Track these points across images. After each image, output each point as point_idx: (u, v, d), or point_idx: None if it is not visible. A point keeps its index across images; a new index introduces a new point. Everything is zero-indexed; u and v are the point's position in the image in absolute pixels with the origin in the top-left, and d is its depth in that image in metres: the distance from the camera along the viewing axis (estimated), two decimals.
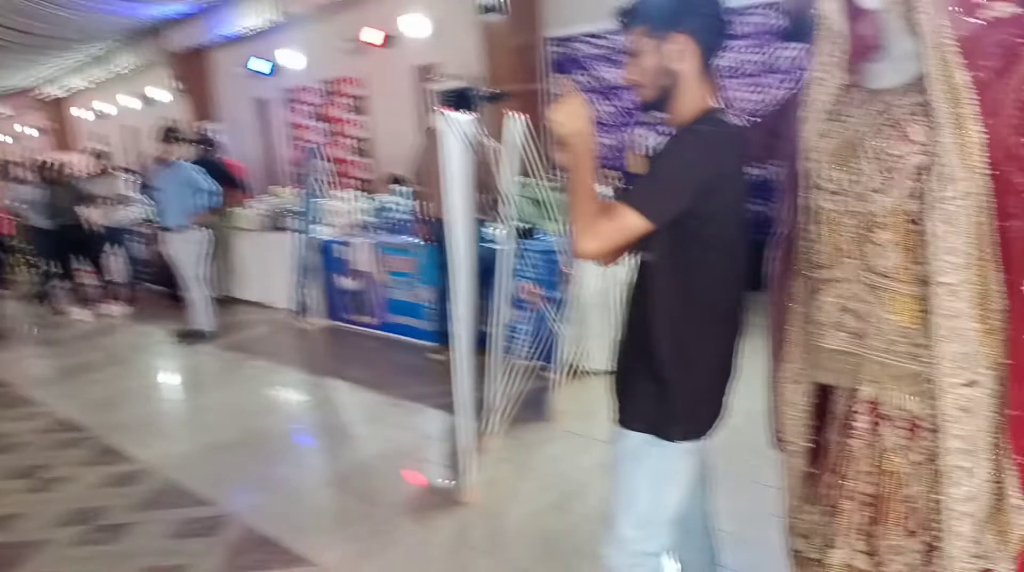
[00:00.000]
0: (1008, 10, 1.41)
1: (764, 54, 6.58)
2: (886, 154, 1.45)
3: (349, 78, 10.59)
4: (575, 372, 4.72)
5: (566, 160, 1.80)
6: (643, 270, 1.88)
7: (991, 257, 1.40)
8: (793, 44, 6.31)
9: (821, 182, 1.59)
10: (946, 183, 1.38)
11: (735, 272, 1.86)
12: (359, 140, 10.75)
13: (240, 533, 3.27)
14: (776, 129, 2.35)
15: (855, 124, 1.53)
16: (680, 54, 1.77)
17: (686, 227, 1.73)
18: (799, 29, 2.21)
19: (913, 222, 1.45)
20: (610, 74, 7.59)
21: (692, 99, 1.82)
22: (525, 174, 4.22)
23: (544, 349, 4.63)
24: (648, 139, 7.30)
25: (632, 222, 1.68)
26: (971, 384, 1.40)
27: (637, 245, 1.81)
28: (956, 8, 1.41)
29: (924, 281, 1.44)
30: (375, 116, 10.42)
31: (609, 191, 5.04)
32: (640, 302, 1.87)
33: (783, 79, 6.54)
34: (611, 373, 1.98)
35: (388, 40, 9.66)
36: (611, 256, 1.83)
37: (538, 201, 5.57)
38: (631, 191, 1.73)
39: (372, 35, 9.69)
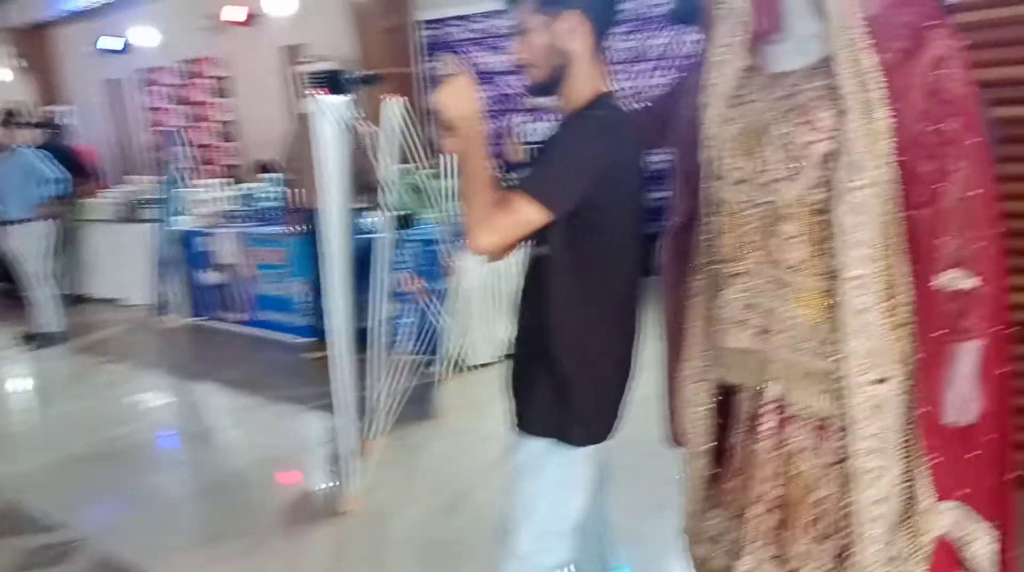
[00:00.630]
0: None
1: (634, 41, 6.61)
2: (793, 141, 1.37)
3: (211, 58, 9.99)
4: (460, 366, 4.58)
5: (454, 147, 1.65)
6: (537, 264, 1.76)
7: (898, 249, 1.35)
8: (666, 31, 6.38)
9: (724, 171, 1.50)
10: (855, 172, 1.31)
11: (633, 264, 1.77)
12: (223, 124, 10.17)
13: (94, 560, 2.94)
14: (664, 115, 2.28)
15: (759, 110, 1.45)
16: (571, 32, 1.66)
17: (583, 218, 1.63)
18: (687, 10, 2.13)
19: (820, 213, 1.38)
20: (485, 59, 7.46)
21: (584, 82, 1.71)
22: (404, 160, 4.05)
23: (427, 343, 4.46)
24: (526, 126, 7.22)
25: (530, 213, 1.56)
26: (881, 381, 1.35)
27: (530, 238, 1.69)
28: None
29: (831, 275, 1.38)
30: (240, 99, 9.88)
31: None
32: (535, 298, 1.76)
33: (653, 67, 6.59)
34: (507, 374, 1.86)
35: (252, 18, 9.17)
36: (507, 250, 1.70)
37: (418, 188, 5.39)
38: (527, 180, 1.60)
39: (234, 12, 9.17)
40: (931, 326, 1.34)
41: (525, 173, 1.65)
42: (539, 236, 1.66)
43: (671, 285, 2.14)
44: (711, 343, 1.59)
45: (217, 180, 7.06)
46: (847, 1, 1.32)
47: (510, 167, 6.71)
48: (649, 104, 2.47)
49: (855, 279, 1.33)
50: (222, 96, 10.08)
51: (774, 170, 1.40)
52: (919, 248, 1.34)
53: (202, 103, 10.36)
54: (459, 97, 1.60)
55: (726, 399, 1.61)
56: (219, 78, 10.04)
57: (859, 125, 1.31)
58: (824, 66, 1.39)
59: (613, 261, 1.71)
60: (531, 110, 7.20)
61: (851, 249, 1.33)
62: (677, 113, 2.20)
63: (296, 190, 5.04)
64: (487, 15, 7.43)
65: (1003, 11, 2.46)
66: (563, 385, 1.69)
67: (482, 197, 1.57)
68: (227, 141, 10.17)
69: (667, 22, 2.44)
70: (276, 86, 9.21)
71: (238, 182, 7.33)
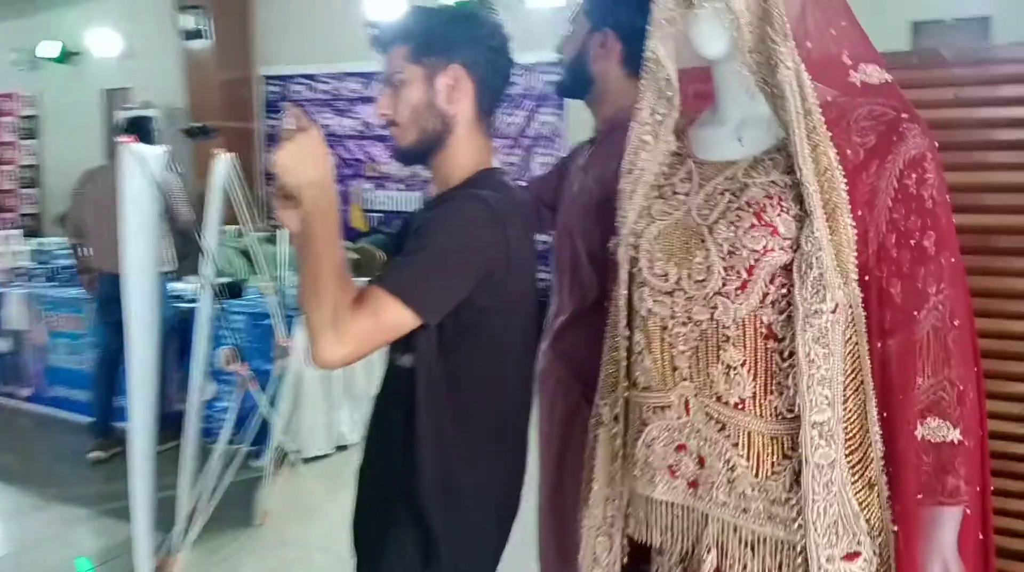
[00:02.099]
0: (877, 76, 1.14)
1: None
2: (740, 247, 1.10)
3: (16, 95, 8.97)
4: (291, 459, 4.02)
5: (295, 221, 1.27)
6: (398, 377, 1.39)
7: (867, 388, 1.09)
8: (522, 108, 6.26)
9: (648, 277, 1.20)
10: (822, 291, 1.05)
11: (523, 378, 1.44)
12: (24, 169, 9.08)
13: None
14: (544, 198, 2.01)
15: (695, 204, 1.17)
16: (452, 90, 1.34)
17: (462, 321, 1.29)
18: (577, 83, 1.89)
19: (773, 338, 1.10)
20: (331, 121, 7.07)
21: (465, 153, 1.39)
22: (233, 221, 3.59)
23: (251, 433, 3.89)
24: (372, 194, 6.85)
25: (396, 317, 1.20)
26: (852, 557, 1.07)
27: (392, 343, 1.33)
28: (816, 70, 1.11)
29: (786, 417, 1.09)
30: (48, 142, 8.89)
31: None
32: (394, 422, 1.39)
33: (507, 146, 6.44)
34: (353, 519, 1.46)
35: (70, 56, 8.33)
36: (359, 359, 1.31)
37: (247, 253, 4.87)
38: (393, 274, 1.25)
39: (50, 48, 8.28)
40: (908, 487, 1.08)
41: (390, 265, 1.29)
42: (403, 342, 1.30)
43: (553, 397, 1.83)
44: (623, 489, 1.27)
45: (11, 231, 6.17)
46: (807, 82, 1.08)
47: (353, 234, 6.32)
48: (528, 186, 2.21)
49: (819, 425, 1.06)
50: (26, 137, 9.04)
51: (716, 280, 1.12)
52: (889, 388, 1.09)
53: (3, 144, 9.24)
54: (305, 158, 1.23)
55: (641, 557, 1.28)
56: (24, 117, 9.01)
57: (824, 233, 1.05)
58: (773, 157, 1.13)
59: (498, 375, 1.38)
60: (378, 177, 6.86)
61: (815, 387, 1.05)
62: (562, 196, 1.94)
63: (82, 248, 4.41)
64: (335, 77, 7.08)
65: None
66: (429, 538, 1.32)
67: (332, 292, 1.19)
68: (27, 187, 9.08)
69: (557, 94, 2.21)
70: (93, 131, 8.36)
71: (35, 235, 6.47)
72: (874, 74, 1.13)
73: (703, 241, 1.13)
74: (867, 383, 1.09)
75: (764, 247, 1.08)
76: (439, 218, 1.29)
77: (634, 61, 1.74)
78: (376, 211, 6.83)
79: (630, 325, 1.25)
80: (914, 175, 1.08)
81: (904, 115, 1.09)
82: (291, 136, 1.23)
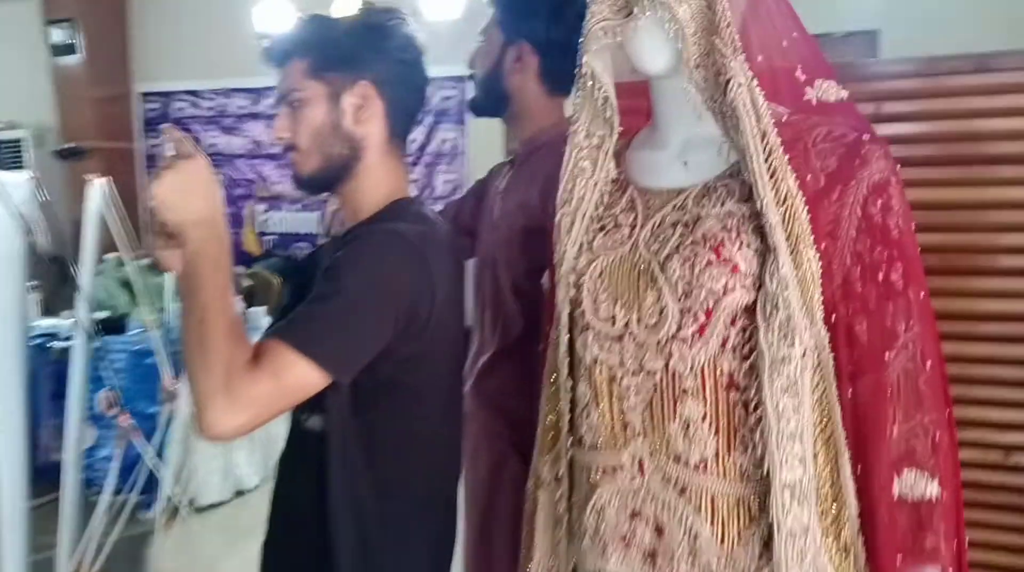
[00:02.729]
0: (834, 93, 1.04)
1: None
2: (696, 287, 0.98)
3: None
4: (187, 507, 3.71)
5: (178, 263, 1.08)
6: (305, 440, 1.22)
7: (841, 441, 0.99)
8: (423, 126, 6.10)
9: (592, 320, 1.06)
10: (790, 334, 0.94)
11: (450, 436, 1.28)
12: None
13: None
14: (461, 223, 1.87)
15: (642, 238, 1.05)
16: (360, 110, 1.18)
17: (378, 375, 1.13)
18: (492, 101, 1.76)
19: (735, 388, 0.98)
20: (218, 139, 6.72)
21: (378, 181, 1.24)
22: (114, 249, 3.32)
23: (139, 481, 3.57)
24: (267, 215, 6.54)
25: (302, 377, 1.04)
26: None
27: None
28: (768, 87, 1.00)
29: (752, 477, 0.98)
30: None
31: None
32: (303, 490, 1.22)
33: (407, 164, 6.27)
34: None
35: None
36: (257, 428, 1.12)
37: (128, 283, 4.55)
38: (298, 324, 1.07)
39: None
40: (885, 548, 0.98)
41: (292, 316, 1.11)
42: (311, 402, 1.13)
43: (476, 445, 1.67)
44: (569, 561, 1.12)
45: None
46: (759, 95, 0.97)
47: (247, 260, 6.01)
48: (443, 211, 2.06)
49: (791, 486, 0.94)
50: None
51: (670, 325, 0.99)
52: (861, 438, 0.99)
53: None
54: (190, 192, 1.04)
55: None
56: None
57: (790, 269, 0.94)
58: (726, 183, 1.02)
59: (424, 436, 1.22)
60: (272, 198, 6.55)
61: (785, 443, 0.94)
62: (480, 222, 1.80)
63: None
64: (221, 92, 6.73)
65: None
66: None
67: (223, 349, 1.01)
68: None
69: (471, 112, 2.08)
70: None
71: None
72: (830, 91, 1.03)
73: (654, 280, 1.01)
74: (838, 434, 0.98)
75: (724, 286, 0.96)
76: (350, 258, 1.12)
77: (553, 76, 1.64)
78: (270, 233, 6.53)
79: (573, 374, 1.11)
80: (879, 202, 0.98)
81: (865, 136, 1.00)
82: (172, 165, 1.04)
